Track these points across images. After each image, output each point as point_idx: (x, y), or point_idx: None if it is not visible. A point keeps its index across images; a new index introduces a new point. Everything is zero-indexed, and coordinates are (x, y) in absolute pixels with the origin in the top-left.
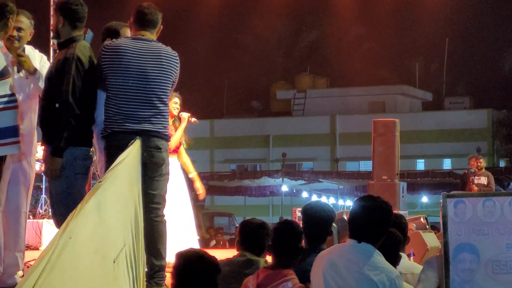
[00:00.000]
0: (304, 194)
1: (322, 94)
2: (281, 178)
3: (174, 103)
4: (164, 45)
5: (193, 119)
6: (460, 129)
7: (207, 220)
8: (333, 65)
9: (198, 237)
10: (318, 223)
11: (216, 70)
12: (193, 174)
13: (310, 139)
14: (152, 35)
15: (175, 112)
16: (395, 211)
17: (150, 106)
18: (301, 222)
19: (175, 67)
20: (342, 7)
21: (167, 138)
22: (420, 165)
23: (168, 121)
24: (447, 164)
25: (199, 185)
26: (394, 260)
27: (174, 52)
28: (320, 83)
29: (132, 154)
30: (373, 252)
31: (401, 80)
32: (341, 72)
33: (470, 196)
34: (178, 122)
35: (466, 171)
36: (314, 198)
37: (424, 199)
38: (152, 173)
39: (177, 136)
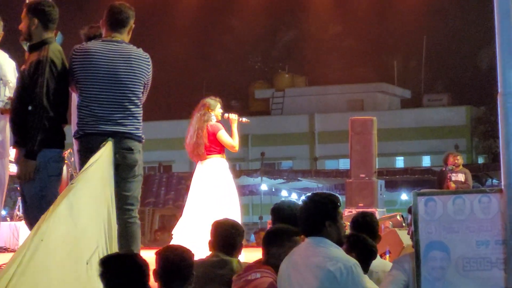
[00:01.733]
0: (284, 193)
1: (300, 93)
2: (260, 177)
3: (219, 108)
4: (135, 47)
5: (244, 119)
6: (439, 126)
7: None
8: (311, 64)
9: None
10: (285, 222)
11: (193, 70)
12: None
13: (289, 138)
14: (122, 35)
15: (220, 116)
16: (371, 209)
17: (122, 108)
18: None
19: (146, 69)
20: (319, 5)
21: (140, 139)
22: (399, 162)
23: (141, 123)
24: (426, 161)
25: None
26: (365, 268)
27: (145, 53)
28: (299, 82)
29: (104, 155)
30: (326, 243)
31: (380, 78)
32: (319, 70)
33: (440, 194)
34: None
35: (444, 168)
36: (294, 196)
37: (404, 196)
38: (124, 174)
39: (237, 138)
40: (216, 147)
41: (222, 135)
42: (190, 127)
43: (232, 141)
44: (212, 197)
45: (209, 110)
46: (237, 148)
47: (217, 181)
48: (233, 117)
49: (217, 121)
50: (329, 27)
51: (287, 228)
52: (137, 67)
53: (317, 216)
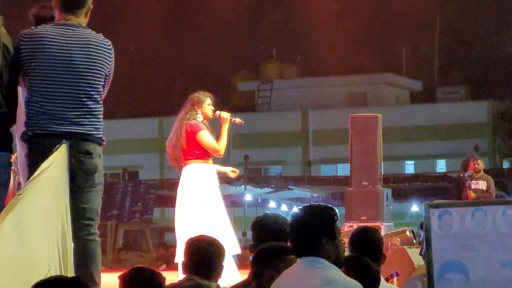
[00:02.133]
0: (272, 204)
1: (291, 85)
2: (243, 186)
3: (208, 104)
4: (93, 32)
5: (237, 119)
6: (456, 124)
7: (156, 237)
8: (304, 50)
9: (240, 252)
10: (270, 239)
11: (164, 58)
12: (215, 167)
13: (278, 139)
14: (79, 18)
15: (210, 114)
16: (375, 224)
17: (79, 105)
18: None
19: (107, 58)
20: None
21: (100, 141)
22: (409, 167)
23: (101, 122)
24: (440, 166)
25: (224, 169)
26: None
27: (106, 40)
28: (289, 72)
29: (57, 161)
30: (322, 264)
31: (386, 67)
32: (314, 58)
33: (457, 206)
34: (208, 125)
35: (462, 174)
36: (284, 208)
37: (414, 208)
38: (82, 183)
39: (225, 140)
40: (197, 150)
41: (203, 136)
42: (173, 127)
43: (214, 143)
44: (188, 212)
45: (196, 107)
46: (222, 152)
47: (194, 192)
48: (225, 115)
49: (205, 120)
50: (324, 6)
51: (282, 246)
52: (97, 56)
53: (312, 232)
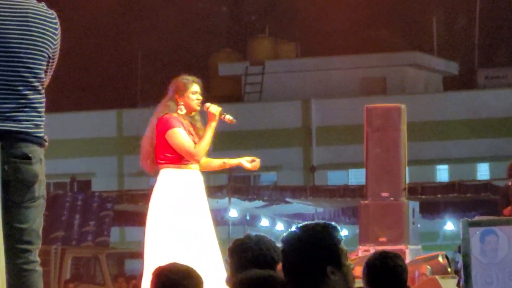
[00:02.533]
0: (264, 222)
1: (289, 67)
2: (227, 198)
3: (193, 93)
4: (34, 1)
5: (228, 117)
6: (502, 118)
7: (114, 265)
8: (304, 23)
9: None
10: (253, 266)
11: (124, 35)
12: (223, 160)
13: (272, 137)
14: None
15: (196, 105)
16: (398, 247)
17: (14, 95)
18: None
19: (51, 34)
20: None
21: (41, 142)
22: (442, 174)
23: (42, 117)
24: (483, 171)
25: (236, 161)
26: None
27: (50, 11)
28: (286, 51)
29: None
30: None
31: (411, 44)
32: (317, 33)
33: (504, 224)
34: (199, 119)
35: (510, 183)
36: (280, 227)
37: (449, 226)
38: (18, 196)
39: (206, 142)
40: (169, 153)
41: (173, 134)
42: (150, 120)
43: (188, 144)
44: (157, 232)
45: (177, 95)
46: (199, 156)
47: (165, 206)
48: (214, 110)
49: (192, 113)
50: None
51: (270, 276)
52: (38, 32)
53: (312, 260)
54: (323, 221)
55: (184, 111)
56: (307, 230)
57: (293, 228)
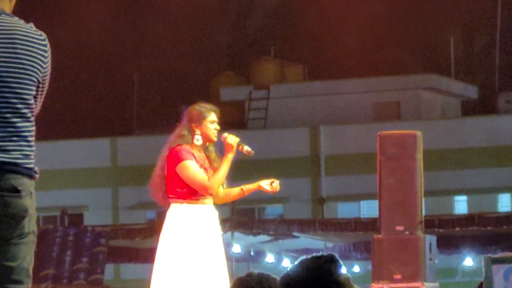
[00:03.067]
0: (269, 258)
1: (295, 92)
2: (230, 232)
3: (211, 122)
4: (22, 21)
5: (246, 148)
6: None
7: None
8: (312, 44)
9: None
10: None
11: (120, 57)
12: (241, 187)
13: (278, 167)
14: (2, 3)
15: (214, 136)
16: (414, 284)
17: (1, 123)
18: None
19: (41, 57)
20: None
21: (31, 173)
22: (461, 205)
23: (32, 146)
24: (504, 203)
25: (255, 185)
26: None
27: (39, 32)
28: (292, 74)
29: None
30: None
31: (427, 67)
32: (326, 54)
33: None
34: (213, 150)
35: None
36: (286, 264)
37: (468, 261)
38: (6, 232)
39: (222, 174)
40: (179, 188)
41: (184, 167)
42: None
43: (200, 177)
44: (163, 272)
45: (194, 124)
46: (213, 190)
47: (171, 245)
48: (232, 140)
49: (205, 143)
50: None
51: None
52: (27, 56)
53: None
54: (325, 255)
55: (200, 142)
56: (305, 266)
57: (294, 263)
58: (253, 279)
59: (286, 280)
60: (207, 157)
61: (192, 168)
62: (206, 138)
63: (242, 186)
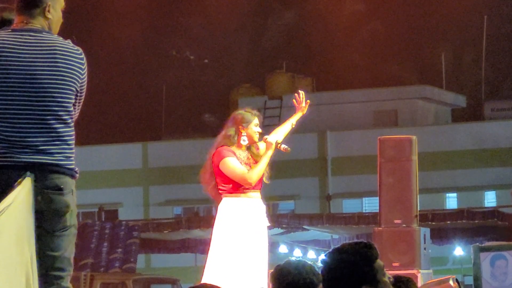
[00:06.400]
0: (282, 249)
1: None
2: None
3: (255, 125)
4: (61, 38)
5: (283, 146)
6: (508, 148)
7: None
8: (320, 59)
9: None
10: None
11: (150, 70)
12: (291, 122)
13: (289, 168)
14: (38, 20)
15: (257, 138)
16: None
17: (45, 128)
18: None
19: (78, 70)
20: None
21: (72, 173)
22: (452, 201)
23: (72, 149)
24: (490, 199)
25: (297, 113)
26: None
27: (76, 48)
28: (302, 85)
29: (19, 199)
30: None
31: (421, 79)
32: (332, 69)
33: None
34: (255, 150)
35: None
36: (297, 253)
37: (458, 251)
38: (51, 225)
39: (261, 167)
40: (225, 183)
41: (225, 163)
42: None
43: (240, 170)
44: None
45: (240, 127)
46: (252, 180)
47: (220, 236)
48: (272, 140)
49: (250, 144)
50: (345, 5)
51: None
52: (66, 68)
53: (347, 281)
54: (359, 241)
55: (246, 142)
56: (340, 253)
57: (330, 251)
58: (291, 265)
59: (326, 263)
60: (252, 155)
61: (232, 163)
62: (250, 139)
63: (291, 120)
